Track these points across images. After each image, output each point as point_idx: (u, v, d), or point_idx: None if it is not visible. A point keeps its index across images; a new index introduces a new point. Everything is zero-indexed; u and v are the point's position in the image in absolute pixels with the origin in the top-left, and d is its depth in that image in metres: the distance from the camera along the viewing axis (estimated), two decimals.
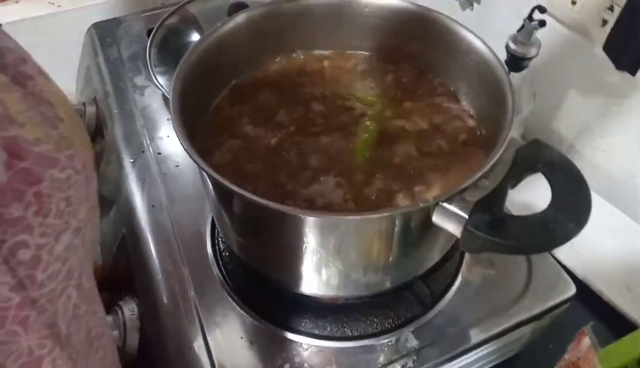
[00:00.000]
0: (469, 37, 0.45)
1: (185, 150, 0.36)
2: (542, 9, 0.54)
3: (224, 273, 0.48)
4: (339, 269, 0.40)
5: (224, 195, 0.40)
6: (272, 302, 0.46)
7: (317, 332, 0.45)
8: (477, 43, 0.44)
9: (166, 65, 0.65)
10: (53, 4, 0.84)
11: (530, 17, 0.54)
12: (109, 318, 0.48)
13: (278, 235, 0.39)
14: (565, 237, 0.32)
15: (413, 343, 0.44)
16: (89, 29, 0.76)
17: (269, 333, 0.44)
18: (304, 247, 0.38)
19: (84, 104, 0.69)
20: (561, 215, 0.33)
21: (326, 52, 0.53)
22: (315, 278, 0.41)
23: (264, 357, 0.43)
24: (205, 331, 0.44)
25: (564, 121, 0.68)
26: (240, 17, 0.48)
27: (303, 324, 0.45)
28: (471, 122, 0.47)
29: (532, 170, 0.37)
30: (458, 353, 0.44)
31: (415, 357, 0.43)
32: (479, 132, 0.46)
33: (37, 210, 0.21)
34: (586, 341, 0.40)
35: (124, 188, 0.56)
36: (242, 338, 0.44)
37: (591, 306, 0.55)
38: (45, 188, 0.22)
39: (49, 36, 0.82)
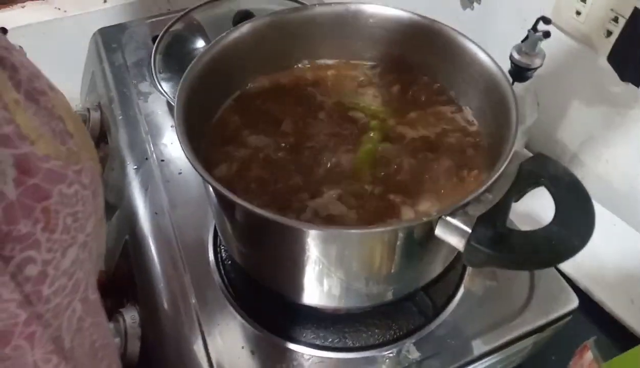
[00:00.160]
0: (473, 48, 0.45)
1: (189, 161, 0.36)
2: (546, 20, 0.54)
3: (226, 281, 0.48)
4: (340, 281, 0.40)
5: (226, 206, 0.40)
6: (274, 312, 0.46)
7: (318, 342, 0.45)
8: (481, 55, 0.44)
9: (171, 72, 0.65)
10: (59, 9, 0.84)
11: (534, 28, 0.54)
12: (111, 325, 0.48)
13: (281, 246, 0.39)
14: (569, 253, 0.32)
15: (415, 355, 0.44)
16: (94, 35, 0.77)
17: (270, 343, 0.44)
18: (306, 259, 0.38)
19: (88, 110, 0.69)
20: (565, 231, 0.33)
21: (331, 62, 0.53)
22: (317, 289, 0.41)
23: (265, 367, 0.43)
24: (206, 339, 0.44)
25: (567, 131, 0.68)
26: (245, 27, 0.48)
27: (304, 334, 0.45)
28: (475, 134, 0.47)
29: (536, 184, 0.37)
30: (460, 365, 0.44)
31: None
32: (483, 144, 0.46)
33: (45, 226, 0.21)
34: (588, 355, 0.40)
35: (127, 195, 0.57)
36: (243, 347, 0.44)
37: (594, 317, 0.55)
38: (53, 204, 0.22)
39: (54, 41, 0.83)
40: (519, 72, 0.57)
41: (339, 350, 0.44)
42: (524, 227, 0.50)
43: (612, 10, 0.56)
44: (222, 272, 0.49)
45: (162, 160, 0.59)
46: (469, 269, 0.49)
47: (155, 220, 0.53)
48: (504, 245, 0.33)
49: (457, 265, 0.48)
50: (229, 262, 0.50)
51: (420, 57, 0.50)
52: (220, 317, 0.46)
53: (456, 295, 0.48)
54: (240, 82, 0.50)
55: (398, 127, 0.48)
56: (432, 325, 0.46)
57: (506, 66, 0.56)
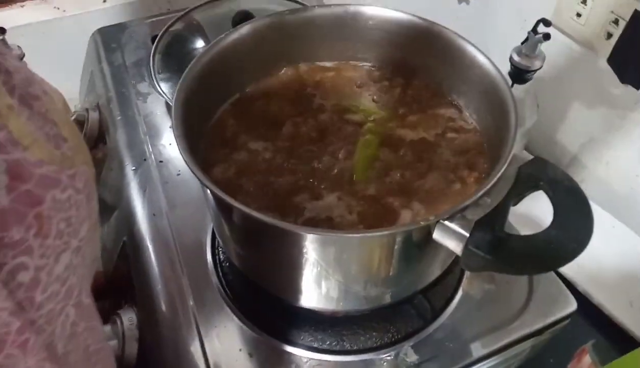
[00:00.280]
0: (472, 51, 0.45)
1: (186, 163, 0.36)
2: (546, 22, 0.54)
3: (224, 283, 0.48)
4: (339, 284, 0.40)
5: (224, 209, 0.40)
6: (272, 314, 0.46)
7: (316, 345, 0.44)
8: (480, 57, 0.44)
9: (170, 72, 0.65)
10: (58, 8, 0.84)
11: (534, 30, 0.54)
12: (108, 327, 0.48)
13: (279, 250, 0.39)
14: (567, 258, 0.32)
15: (413, 358, 0.44)
16: (93, 34, 0.77)
17: (268, 345, 0.44)
18: (304, 262, 0.38)
19: (87, 110, 0.69)
20: (563, 236, 0.33)
21: (330, 64, 0.53)
22: (315, 292, 0.41)
23: None
24: (204, 341, 0.44)
25: (567, 133, 0.68)
26: (245, 29, 0.47)
27: (302, 337, 0.45)
28: (475, 136, 0.47)
29: (535, 187, 0.37)
30: None
31: None
32: (483, 146, 0.46)
33: (38, 231, 0.21)
34: (587, 359, 0.40)
35: (125, 196, 0.56)
36: (240, 350, 0.44)
37: (592, 320, 0.55)
38: (46, 210, 0.22)
39: (53, 41, 0.82)
40: (519, 74, 0.56)
41: (337, 353, 0.44)
42: (523, 230, 0.50)
43: (612, 12, 0.55)
44: (220, 274, 0.49)
45: (161, 161, 0.58)
46: (468, 272, 0.49)
47: (154, 221, 0.53)
48: (502, 250, 0.33)
49: (455, 268, 0.48)
50: (227, 264, 0.50)
51: (419, 59, 0.50)
52: (218, 319, 0.46)
53: (454, 298, 0.48)
54: (239, 84, 0.50)
55: (397, 129, 0.48)
56: (431, 328, 0.45)
57: (506, 68, 0.56)
